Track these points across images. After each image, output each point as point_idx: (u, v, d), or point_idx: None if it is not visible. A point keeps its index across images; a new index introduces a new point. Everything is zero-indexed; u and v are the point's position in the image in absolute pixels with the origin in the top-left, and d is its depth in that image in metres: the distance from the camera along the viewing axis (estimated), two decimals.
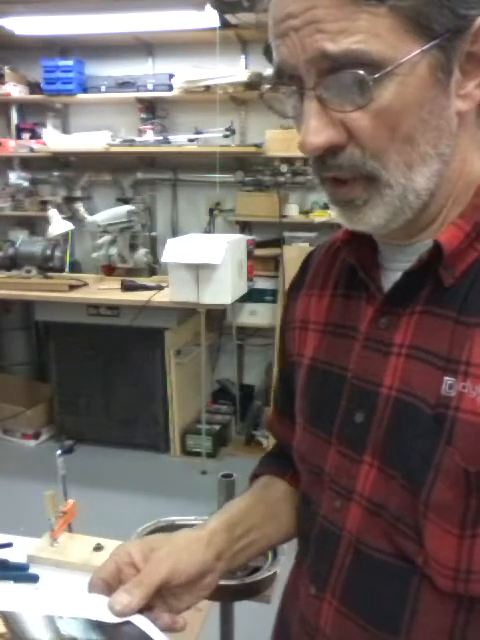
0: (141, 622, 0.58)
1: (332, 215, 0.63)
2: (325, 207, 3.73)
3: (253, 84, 3.64)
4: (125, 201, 4.02)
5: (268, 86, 0.58)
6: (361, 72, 0.50)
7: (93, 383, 3.72)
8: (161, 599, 0.63)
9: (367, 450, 0.62)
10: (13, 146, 4.19)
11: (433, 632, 0.57)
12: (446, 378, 0.56)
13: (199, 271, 3.19)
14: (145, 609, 0.60)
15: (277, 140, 3.63)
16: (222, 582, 1.04)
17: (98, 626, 0.58)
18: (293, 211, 3.80)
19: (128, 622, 0.58)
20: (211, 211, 4.06)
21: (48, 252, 3.63)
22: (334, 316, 0.70)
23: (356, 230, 0.61)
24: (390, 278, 0.63)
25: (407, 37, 0.51)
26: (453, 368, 0.56)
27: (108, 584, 0.62)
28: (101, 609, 0.58)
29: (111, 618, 0.58)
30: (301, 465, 0.73)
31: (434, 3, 0.50)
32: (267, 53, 0.61)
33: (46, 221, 3.70)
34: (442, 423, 0.55)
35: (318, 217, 3.67)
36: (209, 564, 0.67)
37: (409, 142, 0.54)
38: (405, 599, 0.58)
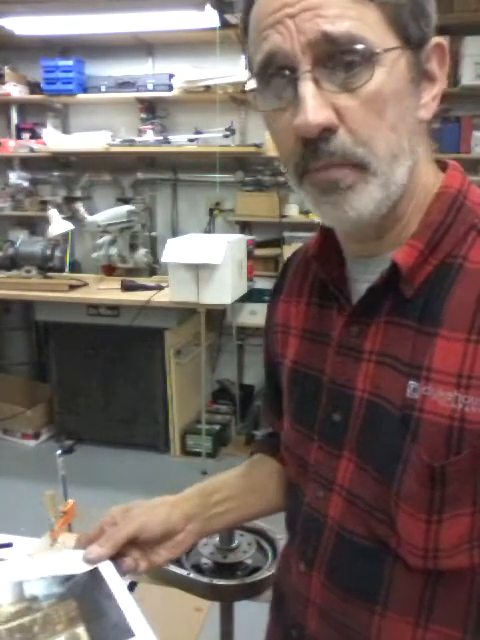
0: (106, 568, 0.70)
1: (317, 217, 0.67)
2: None
3: None
4: (125, 201, 4.02)
5: (258, 78, 0.60)
6: (354, 56, 0.55)
7: (93, 383, 3.72)
8: (140, 552, 0.74)
9: (345, 446, 0.68)
10: (13, 146, 4.19)
11: (405, 602, 0.64)
12: (410, 382, 0.61)
13: (199, 271, 3.19)
14: (117, 557, 0.71)
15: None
16: (222, 582, 1.04)
17: (63, 581, 0.68)
18: (293, 211, 3.80)
19: (97, 573, 0.69)
20: (211, 211, 4.06)
21: (48, 252, 3.63)
22: (310, 323, 0.76)
23: (340, 227, 0.64)
24: (357, 290, 0.69)
25: (390, 33, 0.56)
26: (416, 373, 0.61)
27: (91, 541, 0.73)
28: (75, 563, 0.70)
29: (83, 568, 0.70)
30: (289, 456, 0.79)
31: (407, 12, 0.57)
32: (250, 65, 0.62)
33: (46, 221, 3.70)
34: (408, 423, 0.61)
35: (318, 217, 3.67)
36: (175, 524, 0.77)
37: (394, 131, 0.58)
38: (381, 576, 0.65)
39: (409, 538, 0.62)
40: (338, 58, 0.55)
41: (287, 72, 0.57)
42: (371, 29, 0.55)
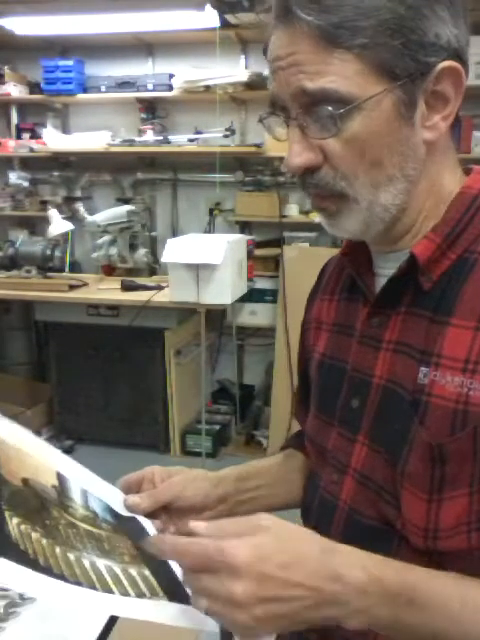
0: (147, 524, 0.75)
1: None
2: None
3: (253, 84, 3.65)
4: (125, 201, 4.01)
5: (265, 113, 0.70)
6: (330, 108, 0.61)
7: (93, 383, 3.72)
8: (168, 516, 0.79)
9: (361, 431, 0.73)
10: (13, 146, 4.19)
11: None
12: (422, 368, 0.66)
13: (199, 271, 3.19)
14: (149, 517, 0.76)
15: (277, 140, 3.62)
16: None
17: (111, 512, 0.74)
18: (293, 211, 3.80)
19: (134, 519, 0.75)
20: (211, 211, 4.06)
21: (48, 252, 3.63)
22: (339, 317, 0.82)
23: (339, 235, 0.73)
24: (380, 283, 0.74)
25: (372, 79, 0.61)
26: (427, 359, 0.66)
27: (129, 486, 0.80)
28: (118, 501, 0.76)
29: (123, 511, 0.75)
30: (310, 446, 0.85)
31: (395, 52, 0.60)
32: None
33: (46, 221, 3.70)
34: (417, 406, 0.66)
35: (318, 217, 3.67)
36: (211, 501, 0.82)
37: (376, 165, 0.64)
38: (387, 556, 0.67)
39: (411, 517, 0.66)
40: (319, 108, 0.62)
41: (283, 116, 0.66)
42: (350, 81, 0.60)
